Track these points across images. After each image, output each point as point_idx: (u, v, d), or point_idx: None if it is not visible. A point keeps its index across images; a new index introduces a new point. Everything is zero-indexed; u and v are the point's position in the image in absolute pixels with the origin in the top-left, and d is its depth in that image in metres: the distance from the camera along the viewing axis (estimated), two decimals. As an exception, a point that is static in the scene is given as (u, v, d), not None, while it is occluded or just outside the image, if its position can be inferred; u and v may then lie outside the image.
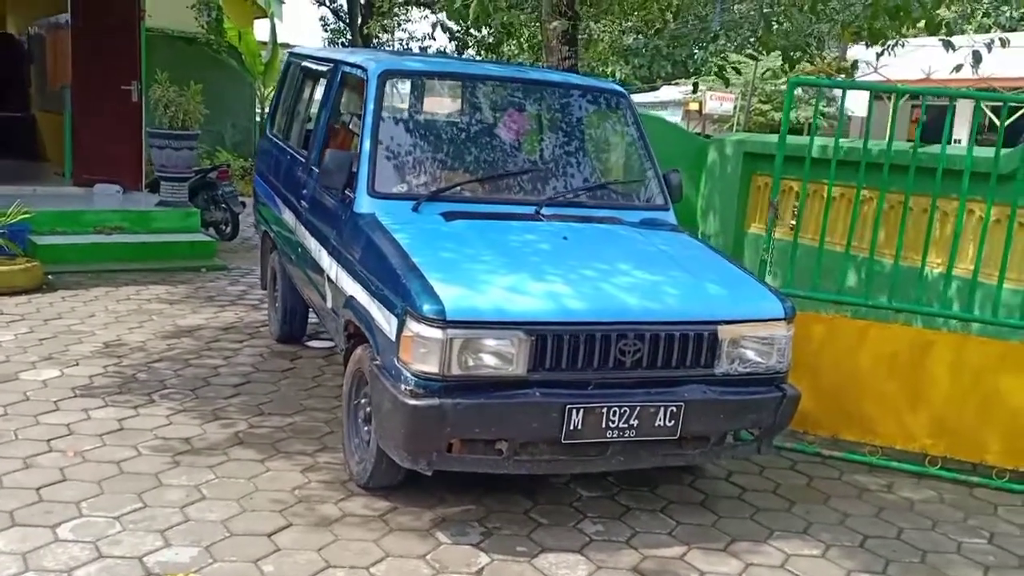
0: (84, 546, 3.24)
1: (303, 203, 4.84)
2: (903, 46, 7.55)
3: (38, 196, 9.44)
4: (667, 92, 34.13)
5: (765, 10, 6.39)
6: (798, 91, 25.84)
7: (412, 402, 3.26)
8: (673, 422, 3.55)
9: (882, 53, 8.40)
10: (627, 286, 3.65)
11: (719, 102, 32.18)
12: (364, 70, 4.45)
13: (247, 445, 4.26)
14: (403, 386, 3.31)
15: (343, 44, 16.88)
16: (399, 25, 17.39)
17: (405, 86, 4.51)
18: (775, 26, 6.45)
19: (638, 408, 3.49)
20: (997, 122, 7.53)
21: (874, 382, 4.54)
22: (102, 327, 6.12)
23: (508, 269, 3.60)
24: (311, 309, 5.40)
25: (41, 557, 3.16)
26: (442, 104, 4.69)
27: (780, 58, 7.03)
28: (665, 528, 3.78)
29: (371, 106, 4.26)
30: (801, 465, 4.59)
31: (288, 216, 5.22)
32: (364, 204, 4.07)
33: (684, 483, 4.23)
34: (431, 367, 3.27)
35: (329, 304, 4.33)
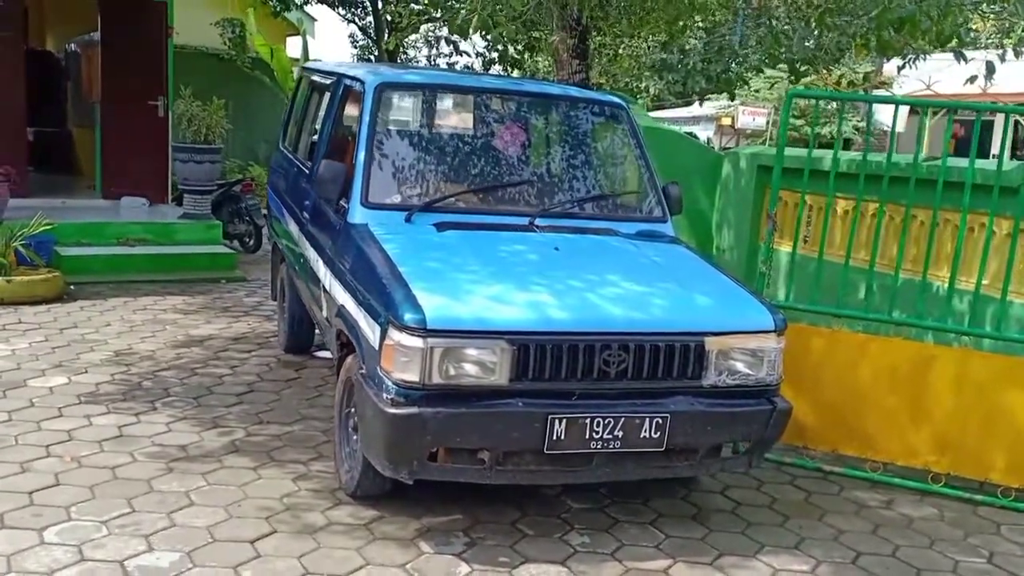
0: (68, 549, 3.28)
1: (305, 214, 4.90)
2: (923, 59, 7.45)
3: (67, 208, 9.66)
4: (699, 108, 34.06)
5: (773, 23, 6.35)
6: (831, 105, 25.62)
7: (392, 410, 3.27)
8: (659, 434, 3.52)
9: (903, 66, 8.31)
10: (613, 297, 3.64)
11: (751, 117, 31.99)
12: (362, 82, 4.50)
13: (242, 453, 4.30)
14: (384, 395, 3.32)
15: (371, 60, 17.07)
16: (429, 42, 17.57)
17: (402, 98, 4.55)
18: (783, 39, 6.41)
19: (623, 419, 3.47)
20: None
21: (875, 397, 4.47)
22: (115, 336, 6.22)
23: (494, 279, 3.60)
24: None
25: (24, 559, 3.21)
26: (440, 116, 4.72)
27: (789, 72, 6.98)
28: (653, 541, 3.74)
29: (367, 117, 4.30)
30: (801, 480, 4.53)
31: (293, 227, 5.28)
32: (357, 214, 4.10)
33: (677, 496, 4.19)
34: (412, 376, 3.28)
35: (324, 314, 4.37)
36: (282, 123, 6.57)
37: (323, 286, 4.33)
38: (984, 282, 4.96)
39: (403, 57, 17.65)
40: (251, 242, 10.19)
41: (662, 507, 4.07)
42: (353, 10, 16.31)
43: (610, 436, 3.47)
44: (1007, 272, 4.33)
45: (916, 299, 4.55)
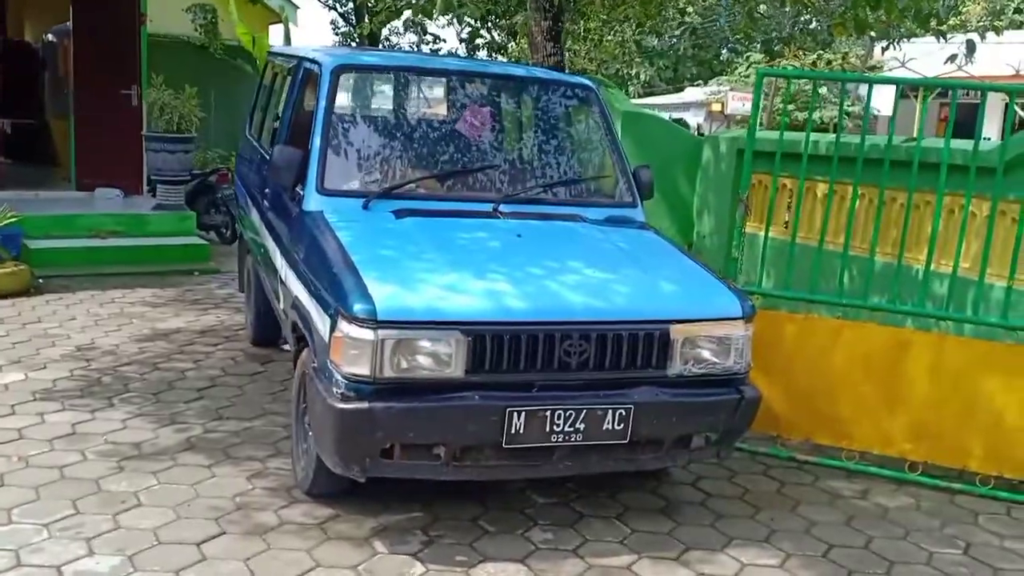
0: (4, 554, 3.15)
1: (265, 202, 4.76)
2: (907, 41, 7.32)
3: (40, 200, 9.49)
4: (691, 93, 33.90)
5: (750, 3, 6.20)
6: (823, 90, 25.54)
7: (341, 406, 3.14)
8: (622, 425, 3.40)
9: (887, 48, 8.18)
10: (574, 284, 3.51)
11: (741, 102, 31.87)
12: (320, 65, 4.35)
13: (197, 450, 4.17)
14: (334, 389, 3.19)
15: (353, 47, 16.84)
16: (414, 28, 17.32)
17: (361, 81, 4.39)
18: (760, 20, 6.27)
19: (584, 411, 3.35)
20: None
21: (850, 384, 4.35)
22: (79, 330, 6.07)
23: (450, 267, 3.47)
24: (277, 311, 5.31)
25: (-43, 565, 3.08)
26: (400, 99, 4.57)
27: (765, 53, 6.84)
28: (618, 536, 3.62)
29: (323, 102, 4.15)
30: (775, 470, 4.41)
31: (255, 216, 5.14)
32: (312, 201, 3.96)
33: (646, 488, 4.07)
34: (362, 369, 3.14)
35: (282, 305, 4.23)
36: (249, 110, 6.41)
37: (280, 277, 4.19)
38: (965, 265, 4.86)
39: (386, 44, 17.42)
40: (227, 233, 10.01)
41: (630, 500, 3.95)
42: (334, -4, 16.13)
43: (572, 429, 3.35)
44: (984, 255, 4.21)
45: (892, 283, 4.42)
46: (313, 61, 4.54)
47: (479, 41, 15.65)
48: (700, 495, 4.08)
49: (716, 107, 32.26)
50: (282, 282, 4.13)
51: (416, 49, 16.99)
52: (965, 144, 5.05)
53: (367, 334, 3.12)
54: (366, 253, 3.50)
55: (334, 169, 4.05)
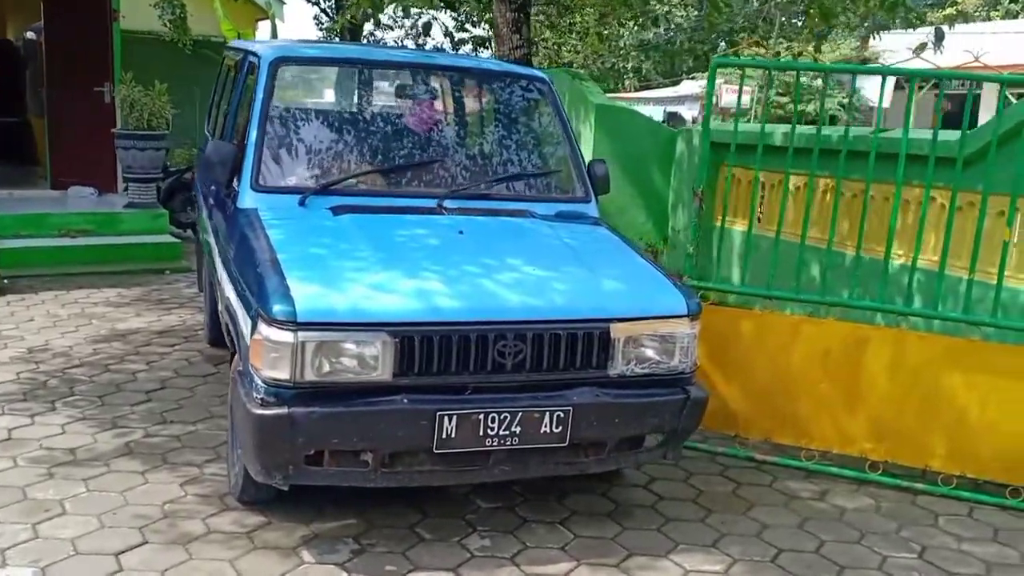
0: (-90, 568, 3.04)
1: (210, 200, 4.63)
2: (885, 31, 7.18)
3: (13, 199, 9.37)
4: (686, 87, 33.72)
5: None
6: (816, 82, 25.30)
7: (259, 411, 3.01)
8: (561, 428, 3.27)
9: (867, 37, 8.03)
10: (512, 282, 3.38)
11: (734, 95, 31.67)
12: (259, 57, 4.22)
13: (134, 456, 4.05)
14: (254, 394, 3.07)
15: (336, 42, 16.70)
16: (397, 22, 17.20)
17: (302, 74, 4.26)
18: (722, 7, 6.12)
19: (520, 414, 3.22)
20: None
21: (809, 381, 4.23)
22: (35, 332, 5.95)
23: (382, 266, 3.34)
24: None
25: None
26: (343, 92, 4.44)
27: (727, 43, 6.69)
28: (560, 542, 3.50)
29: (260, 94, 4.03)
30: (733, 471, 4.29)
31: (204, 214, 5.01)
32: (247, 198, 3.84)
33: (596, 492, 3.95)
34: (281, 373, 3.02)
35: (220, 307, 4.11)
36: (208, 105, 6.29)
37: (217, 277, 4.07)
38: (935, 258, 4.73)
39: (371, 39, 17.26)
40: (202, 231, 9.90)
41: (578, 504, 3.82)
42: (316, -10, 15.97)
43: (507, 432, 3.22)
44: (944, 248, 4.08)
45: (850, 277, 4.29)
46: (255, 54, 4.41)
47: (464, 35, 15.52)
48: (652, 498, 3.96)
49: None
50: (219, 283, 4.01)
51: (401, 44, 16.84)
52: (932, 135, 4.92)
53: (286, 336, 3.00)
54: (294, 252, 3.38)
55: (271, 165, 3.92)
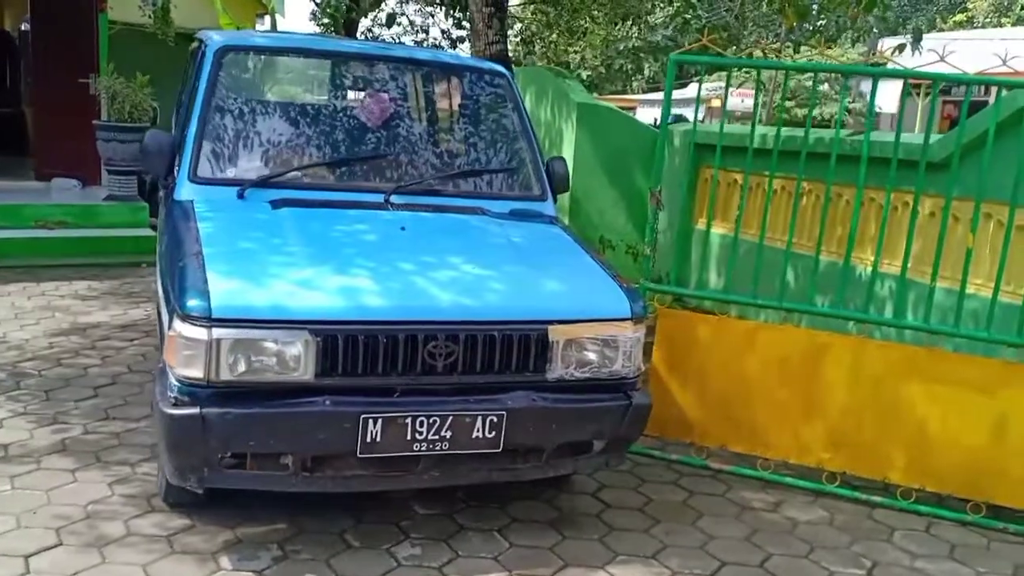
0: None
1: (159, 193, 4.52)
2: (891, 36, 7.04)
3: (-2, 190, 9.31)
4: (694, 89, 33.52)
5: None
6: (824, 86, 25.07)
7: (170, 411, 2.90)
8: (494, 433, 3.15)
9: (858, 39, 7.87)
10: (446, 281, 3.25)
11: (740, 98, 31.54)
12: (206, 45, 4.11)
13: (68, 453, 3.94)
14: (168, 393, 2.96)
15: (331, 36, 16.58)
16: (396, 19, 17.03)
17: (250, 63, 4.14)
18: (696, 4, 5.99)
19: (451, 418, 3.10)
20: None
21: (765, 389, 4.09)
22: (-4, 324, 5.86)
23: (312, 262, 3.22)
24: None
25: None
26: (292, 83, 4.32)
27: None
28: (494, 551, 3.37)
29: (203, 83, 3.92)
30: (687, 480, 4.16)
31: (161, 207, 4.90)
32: (184, 190, 3.72)
33: (542, 499, 3.83)
34: (195, 372, 2.90)
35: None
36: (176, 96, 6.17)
37: (157, 272, 3.96)
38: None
39: (368, 35, 17.13)
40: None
41: (520, 511, 3.70)
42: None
43: (436, 437, 3.10)
44: (905, 254, 3.94)
45: (808, 283, 4.16)
46: (205, 42, 4.29)
47: (463, 33, 15.37)
48: (598, 506, 3.83)
49: (716, 103, 31.95)
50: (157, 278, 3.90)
51: (398, 41, 16.71)
52: (911, 139, 4.80)
53: (200, 333, 2.88)
54: (222, 246, 3.26)
55: (210, 156, 3.81)
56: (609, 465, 3.59)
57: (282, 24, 19.50)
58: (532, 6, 14.13)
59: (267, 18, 16.52)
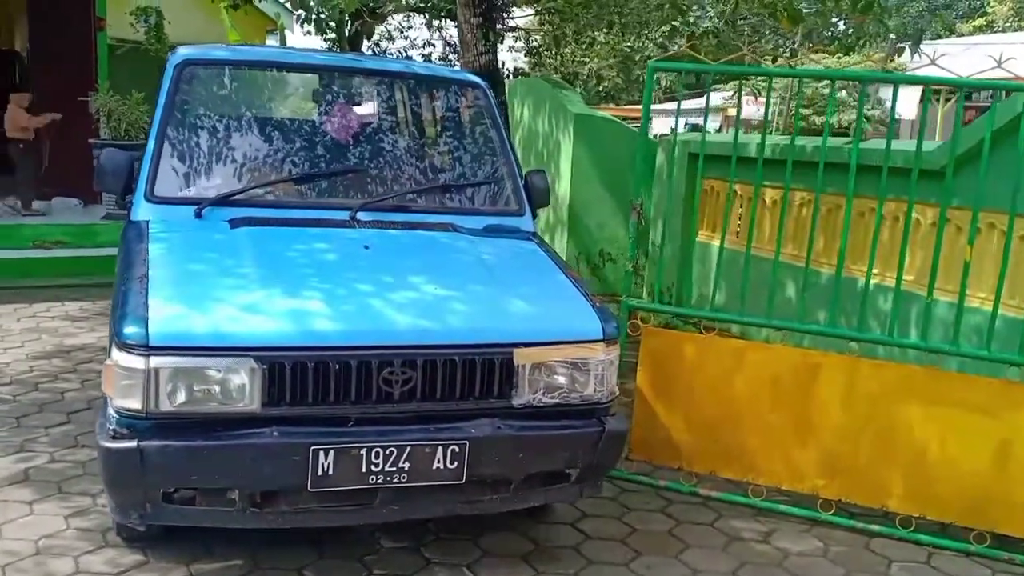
0: None
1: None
2: (891, 40, 6.84)
3: (-1, 211, 9.28)
4: (710, 98, 33.31)
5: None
6: (842, 93, 24.83)
7: (107, 444, 2.75)
8: (456, 463, 2.97)
9: (864, 44, 7.67)
10: (405, 303, 3.08)
11: (757, 107, 31.28)
12: (169, 60, 3.98)
13: (29, 483, 3.80)
14: (108, 425, 2.80)
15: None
16: (403, 32, 17.02)
17: (211, 77, 3.99)
18: (687, 10, 5.80)
19: (408, 448, 2.92)
20: None
21: (755, 411, 3.88)
22: (-22, 347, 5.75)
23: (263, 284, 3.06)
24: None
25: None
26: (257, 97, 4.17)
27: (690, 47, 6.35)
28: (460, 589, 3.19)
29: (162, 99, 3.78)
30: (675, 507, 3.95)
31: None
32: (140, 210, 3.59)
33: (518, 530, 3.63)
34: (133, 403, 2.75)
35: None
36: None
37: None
38: (909, 278, 4.39)
39: (376, 49, 17.09)
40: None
41: (493, 544, 3.51)
42: None
43: (394, 468, 2.92)
44: (899, 267, 3.72)
45: (798, 298, 3.95)
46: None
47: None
48: (577, 537, 3.64)
49: (732, 112, 31.71)
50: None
51: (404, 55, 16.65)
52: (906, 146, 4.58)
53: (137, 362, 2.73)
54: (168, 269, 3.11)
55: (168, 175, 3.66)
56: (584, 495, 3.39)
57: (291, 39, 19.45)
58: (538, 17, 13.99)
59: (277, 34, 16.49)
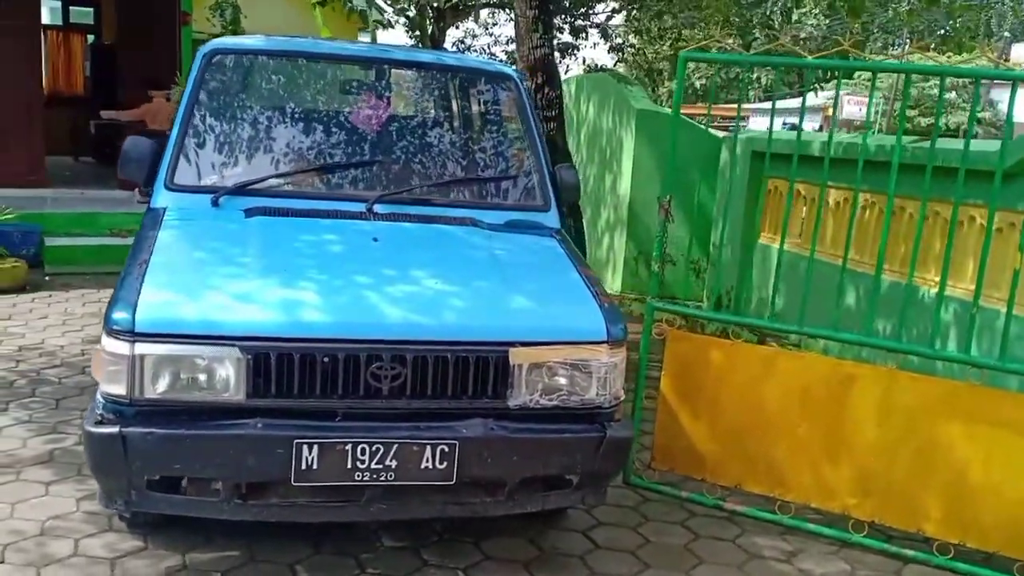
0: None
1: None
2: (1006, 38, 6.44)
3: (84, 199, 9.63)
4: (810, 98, 32.35)
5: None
6: (951, 94, 23.81)
7: (91, 429, 2.75)
8: (445, 464, 2.87)
9: (963, 45, 7.25)
10: (400, 297, 3.00)
11: (858, 107, 30.23)
12: (200, 49, 4.00)
13: (52, 463, 3.88)
14: (96, 410, 2.81)
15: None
16: (487, 29, 16.97)
17: (239, 67, 3.98)
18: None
19: (395, 445, 2.84)
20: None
21: (784, 423, 3.66)
22: (40, 330, 5.95)
23: (260, 274, 3.03)
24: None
25: None
26: (283, 87, 4.14)
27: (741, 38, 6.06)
28: (452, 594, 3.09)
29: (189, 87, 3.80)
30: (696, 520, 3.77)
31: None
32: (160, 198, 3.60)
33: (525, 535, 3.51)
34: (118, 389, 2.74)
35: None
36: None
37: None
38: (971, 288, 4.09)
39: (460, 46, 17.10)
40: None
41: (496, 548, 3.40)
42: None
43: (380, 466, 2.84)
44: (943, 275, 3.45)
45: (835, 302, 3.70)
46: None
47: (567, 39, 15.08)
48: (586, 545, 3.49)
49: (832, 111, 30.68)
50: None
51: (488, 51, 16.61)
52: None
53: (122, 348, 2.72)
54: (171, 255, 3.11)
55: (190, 163, 3.67)
56: (586, 503, 3.25)
57: (382, 37, 19.67)
58: (623, 13, 13.76)
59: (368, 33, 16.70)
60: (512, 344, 2.94)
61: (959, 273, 4.57)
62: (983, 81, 3.94)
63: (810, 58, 3.50)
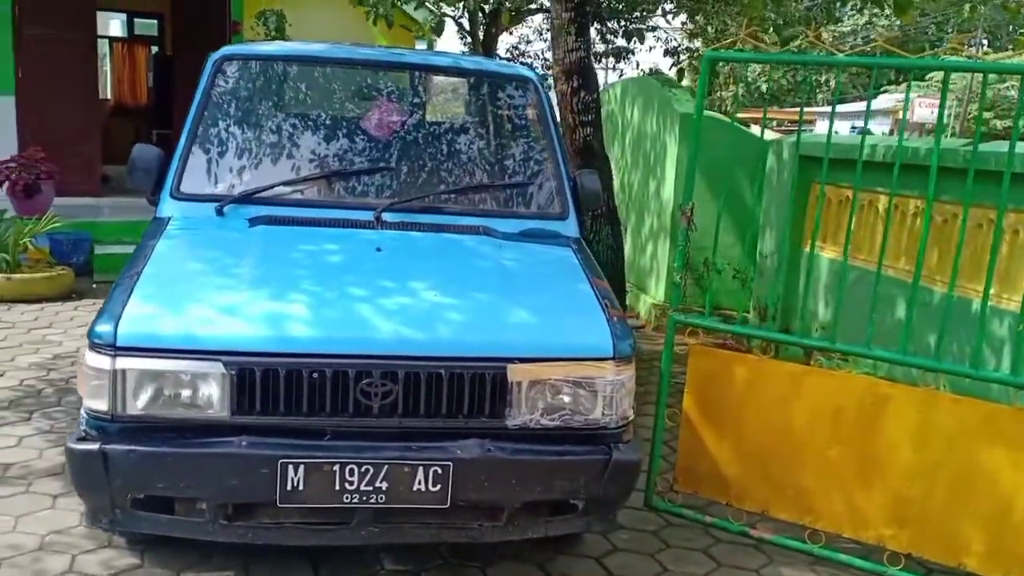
0: None
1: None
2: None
3: (132, 207, 9.77)
4: (880, 100, 31.55)
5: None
6: (1012, 92, 22.76)
7: (72, 445, 2.68)
8: (439, 486, 2.73)
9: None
10: (394, 310, 2.87)
11: (929, 109, 29.30)
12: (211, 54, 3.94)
13: (63, 476, 3.82)
14: (81, 426, 2.74)
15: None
16: (541, 35, 16.86)
17: (251, 73, 3.91)
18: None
19: (386, 467, 2.71)
20: None
21: (814, 445, 3.43)
22: (77, 338, 5.98)
23: (252, 285, 2.93)
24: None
25: None
26: (295, 94, 4.05)
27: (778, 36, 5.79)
28: (449, 622, 2.95)
29: (198, 95, 3.74)
30: (720, 548, 3.55)
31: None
32: (166, 207, 3.55)
33: (534, 561, 3.35)
34: (100, 404, 2.67)
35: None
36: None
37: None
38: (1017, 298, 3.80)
39: (514, 53, 17.01)
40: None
41: (503, 574, 3.24)
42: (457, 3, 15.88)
43: (370, 488, 2.72)
44: (986, 286, 3.18)
45: (868, 317, 3.45)
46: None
47: (621, 43, 14.88)
48: (599, 573, 3.31)
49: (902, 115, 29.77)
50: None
51: (541, 57, 16.49)
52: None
53: (104, 362, 2.65)
54: (165, 267, 3.04)
55: (197, 171, 3.61)
56: (593, 530, 3.08)
57: (438, 46, 19.73)
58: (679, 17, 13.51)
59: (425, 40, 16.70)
60: (511, 360, 2.79)
61: (1013, 286, 4.26)
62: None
63: (841, 56, 3.27)
